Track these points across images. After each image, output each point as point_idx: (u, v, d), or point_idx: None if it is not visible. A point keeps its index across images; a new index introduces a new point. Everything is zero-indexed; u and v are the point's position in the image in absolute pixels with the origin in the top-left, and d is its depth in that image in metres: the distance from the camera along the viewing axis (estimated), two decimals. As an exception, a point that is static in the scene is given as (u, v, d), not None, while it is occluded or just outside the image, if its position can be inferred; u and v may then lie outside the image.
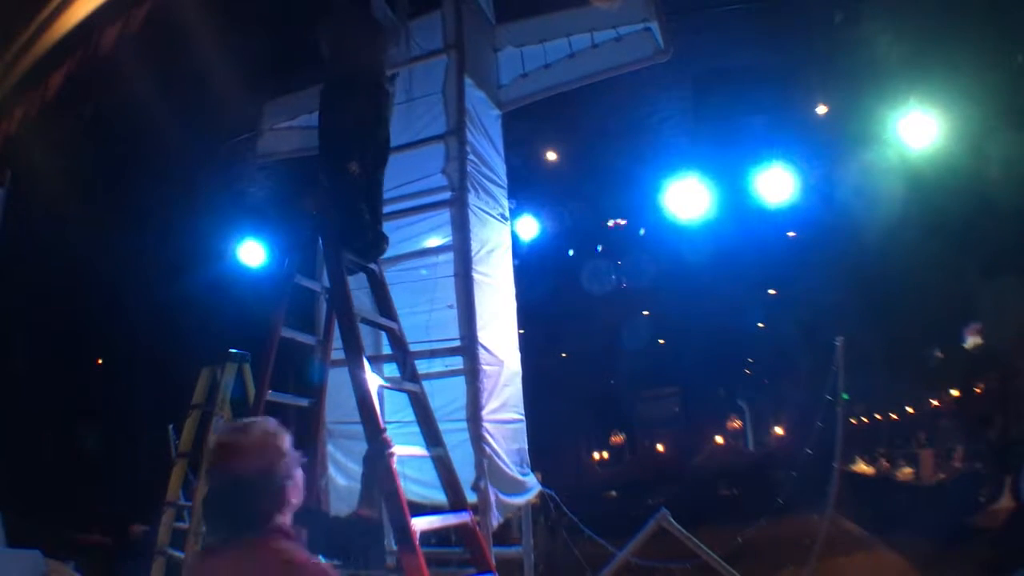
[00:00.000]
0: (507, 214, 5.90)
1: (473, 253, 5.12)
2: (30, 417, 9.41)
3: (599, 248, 12.50)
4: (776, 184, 8.41)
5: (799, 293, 15.67)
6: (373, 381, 4.08)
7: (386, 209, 4.98)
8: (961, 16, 7.14)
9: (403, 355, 4.66)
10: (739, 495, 16.81)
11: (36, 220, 7.01)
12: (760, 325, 19.81)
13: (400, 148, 5.31)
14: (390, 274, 5.09)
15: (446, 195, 5.27)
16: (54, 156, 6.09)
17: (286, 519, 2.29)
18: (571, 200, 10.08)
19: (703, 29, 7.21)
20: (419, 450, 4.39)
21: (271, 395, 4.45)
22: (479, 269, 5.19)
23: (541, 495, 5.75)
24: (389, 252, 4.92)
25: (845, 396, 7.37)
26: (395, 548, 3.96)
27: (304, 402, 4.70)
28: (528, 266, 8.55)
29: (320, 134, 4.76)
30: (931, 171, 8.20)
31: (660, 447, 24.09)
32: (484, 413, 4.84)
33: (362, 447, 4.36)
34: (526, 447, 5.52)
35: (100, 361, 12.22)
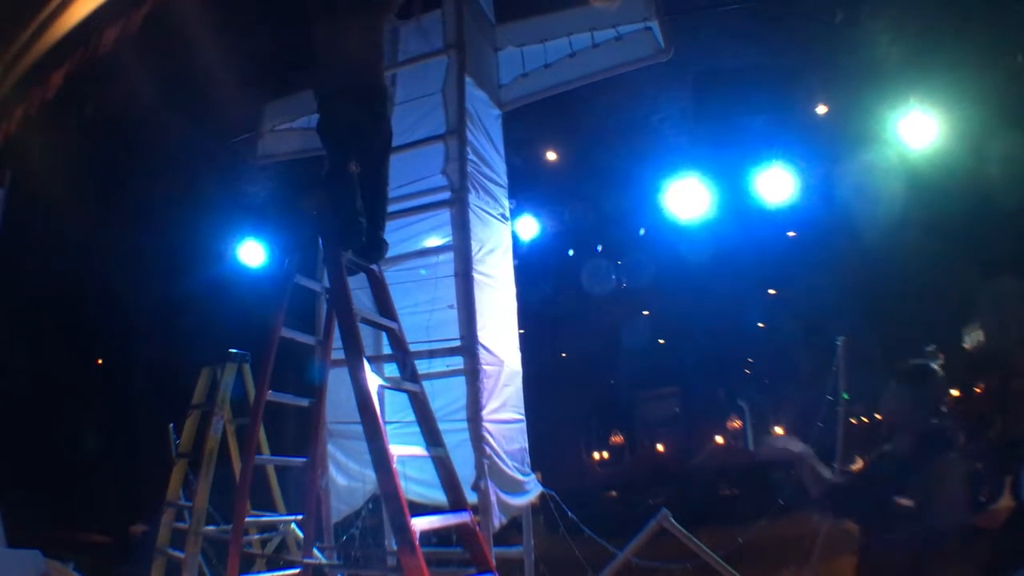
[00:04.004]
0: (507, 214, 5.89)
1: (473, 253, 5.12)
2: (30, 417, 9.41)
3: (599, 248, 12.50)
4: (776, 184, 8.40)
5: (799, 293, 15.67)
6: (373, 381, 4.08)
7: (387, 209, 4.98)
8: (961, 16, 7.14)
9: (403, 355, 4.66)
10: (739, 495, 16.79)
11: (36, 220, 7.02)
12: (760, 325, 19.80)
13: (400, 148, 5.32)
14: (390, 274, 5.09)
15: (446, 195, 5.27)
16: (54, 156, 6.09)
17: None
18: (571, 200, 10.09)
19: (703, 29, 7.21)
20: (419, 450, 4.39)
21: (271, 395, 4.45)
22: (479, 269, 5.19)
23: (541, 495, 5.75)
24: (389, 252, 4.93)
25: (846, 396, 7.35)
26: (395, 548, 3.96)
27: (304, 402, 4.71)
28: (528, 266, 8.54)
29: (320, 134, 4.77)
30: (931, 171, 8.19)
31: (660, 447, 24.05)
32: (484, 413, 4.84)
33: (362, 447, 4.37)
34: (526, 447, 5.52)
35: (100, 361, 12.23)
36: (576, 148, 9.99)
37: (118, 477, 10.14)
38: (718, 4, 7.39)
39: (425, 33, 5.79)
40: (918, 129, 7.54)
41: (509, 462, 5.06)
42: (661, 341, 20.96)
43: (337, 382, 4.74)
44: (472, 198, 5.26)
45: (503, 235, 5.75)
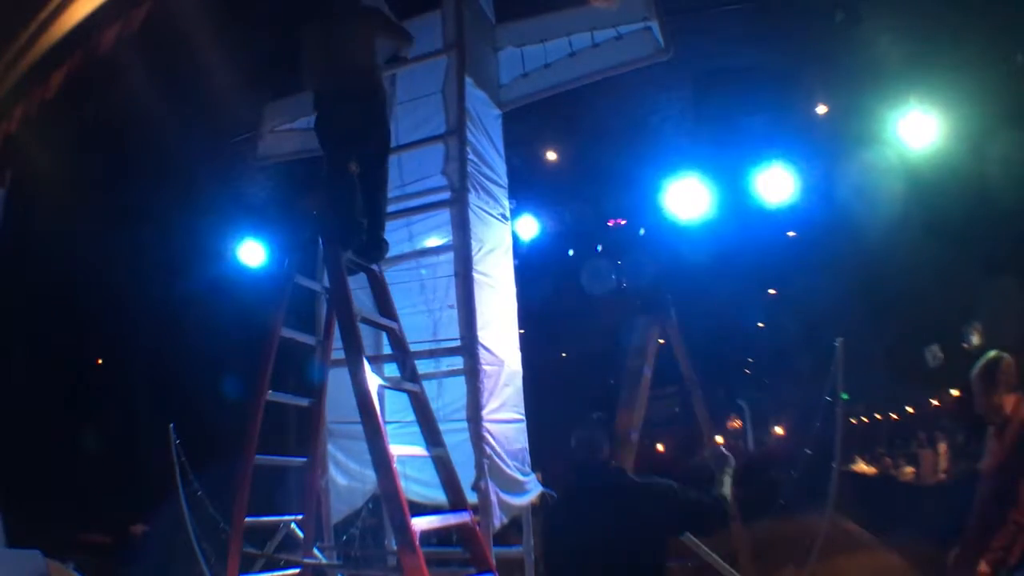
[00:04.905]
0: (507, 214, 5.88)
1: (473, 253, 5.11)
2: (31, 417, 9.40)
3: (599, 248, 12.50)
4: (776, 184, 8.41)
5: (799, 293, 15.67)
6: (373, 381, 4.08)
7: (387, 209, 4.99)
8: (961, 16, 7.14)
9: (403, 355, 4.67)
10: (739, 495, 16.77)
11: (36, 220, 7.02)
12: (760, 325, 19.79)
13: (400, 148, 5.32)
14: (390, 274, 5.10)
15: (446, 195, 5.26)
16: (54, 156, 6.09)
17: None
18: (571, 200, 10.09)
19: (703, 29, 7.21)
20: (419, 450, 4.40)
21: (271, 395, 4.46)
22: (479, 269, 5.18)
23: (541, 495, 5.74)
24: (389, 252, 4.93)
25: (845, 396, 7.36)
26: (395, 548, 3.96)
27: (304, 402, 4.72)
28: (528, 266, 8.54)
29: (318, 135, 4.78)
30: (931, 171, 8.19)
31: (660, 447, 24.05)
32: (484, 413, 4.83)
33: (362, 447, 4.37)
34: (526, 447, 5.52)
35: (100, 361, 12.23)
36: (576, 148, 9.98)
37: (118, 477, 10.13)
38: (718, 4, 7.38)
39: (425, 33, 5.79)
40: (918, 129, 7.54)
41: (509, 462, 5.06)
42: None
43: (337, 382, 4.74)
44: (472, 198, 5.25)
45: (503, 235, 5.74)
